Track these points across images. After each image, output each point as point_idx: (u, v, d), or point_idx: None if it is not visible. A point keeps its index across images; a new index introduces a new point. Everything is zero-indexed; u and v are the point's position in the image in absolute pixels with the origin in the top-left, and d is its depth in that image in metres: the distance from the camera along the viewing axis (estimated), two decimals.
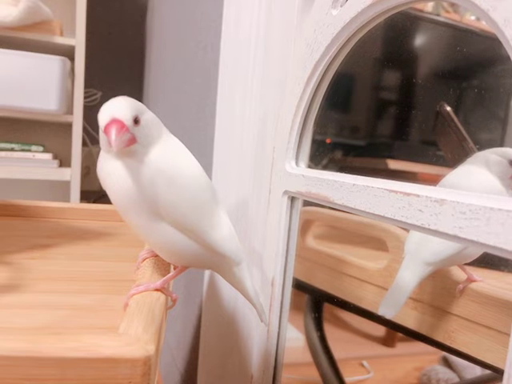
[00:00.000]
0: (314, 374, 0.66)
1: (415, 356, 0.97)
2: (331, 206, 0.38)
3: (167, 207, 0.32)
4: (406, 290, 0.44)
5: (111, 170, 0.32)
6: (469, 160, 0.45)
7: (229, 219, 0.38)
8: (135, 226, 0.34)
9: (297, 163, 0.45)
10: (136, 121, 0.31)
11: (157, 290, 0.33)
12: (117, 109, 0.30)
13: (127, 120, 0.30)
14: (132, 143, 0.31)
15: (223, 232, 0.36)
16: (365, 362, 0.92)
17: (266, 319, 0.43)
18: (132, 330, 0.25)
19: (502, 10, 0.24)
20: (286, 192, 0.45)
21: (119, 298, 0.35)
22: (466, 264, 0.44)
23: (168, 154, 0.33)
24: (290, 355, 0.52)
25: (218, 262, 0.37)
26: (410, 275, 0.44)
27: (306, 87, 0.42)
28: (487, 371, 0.45)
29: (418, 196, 0.28)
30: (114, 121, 0.29)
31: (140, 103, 0.33)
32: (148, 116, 0.32)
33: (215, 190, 0.37)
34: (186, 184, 0.33)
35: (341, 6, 0.38)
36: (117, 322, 0.28)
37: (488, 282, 0.43)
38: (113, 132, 0.29)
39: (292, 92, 0.44)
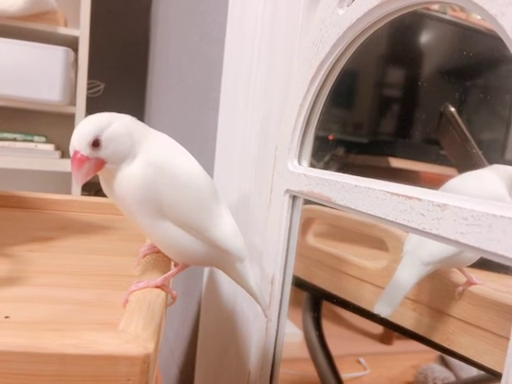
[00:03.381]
0: (310, 369, 0.67)
1: (412, 354, 0.97)
2: (333, 206, 0.38)
3: (171, 206, 0.32)
4: (403, 289, 0.44)
5: (110, 184, 0.33)
6: (485, 168, 0.45)
7: (231, 216, 0.38)
8: (141, 226, 0.34)
9: (299, 162, 0.45)
10: (96, 143, 0.31)
11: (157, 286, 0.33)
12: (74, 139, 0.31)
13: (85, 149, 0.30)
14: (99, 167, 0.32)
15: (226, 229, 0.36)
16: (362, 359, 0.92)
17: (270, 315, 0.43)
18: (132, 328, 0.25)
19: (510, 15, 0.24)
20: (287, 191, 0.45)
21: (119, 293, 0.35)
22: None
23: (165, 152, 0.33)
24: (287, 350, 0.52)
25: (221, 259, 0.37)
26: (407, 275, 0.44)
27: (310, 87, 0.42)
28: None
29: (420, 200, 0.28)
30: (74, 155, 0.31)
31: (102, 118, 0.32)
32: (112, 129, 0.31)
33: (216, 188, 0.37)
34: (188, 181, 0.34)
35: (347, 6, 0.38)
36: (116, 318, 0.28)
37: (487, 284, 0.43)
38: (73, 170, 0.31)
39: (296, 91, 0.44)
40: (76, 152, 0.31)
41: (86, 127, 0.31)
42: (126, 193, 0.32)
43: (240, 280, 0.39)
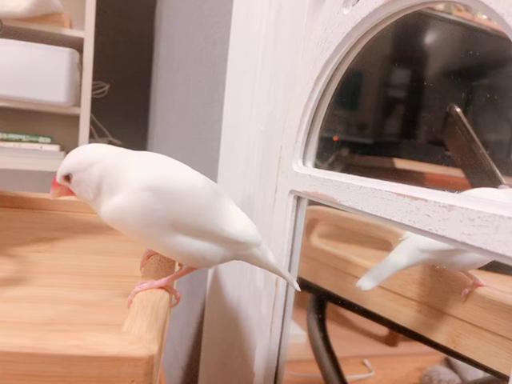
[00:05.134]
0: (314, 370, 0.66)
1: (417, 356, 0.96)
2: (338, 207, 0.38)
3: (176, 220, 0.32)
4: (391, 268, 0.44)
5: (108, 214, 0.33)
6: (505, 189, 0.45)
7: (239, 209, 0.38)
8: (153, 246, 0.35)
9: (304, 163, 0.45)
10: (67, 178, 0.34)
11: (161, 287, 0.33)
12: (60, 165, 0.34)
13: (59, 178, 0.34)
14: (70, 194, 0.35)
15: (239, 223, 0.36)
16: (366, 361, 0.92)
17: (297, 286, 0.42)
18: (135, 329, 0.25)
19: None
20: (292, 191, 0.45)
21: (123, 294, 0.36)
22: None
23: (155, 173, 0.33)
24: (292, 352, 0.52)
25: (240, 252, 0.37)
26: (400, 256, 0.44)
27: (315, 87, 0.42)
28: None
29: (426, 201, 0.28)
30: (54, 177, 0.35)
31: (85, 159, 0.33)
32: (86, 173, 0.33)
33: (217, 187, 0.37)
34: (186, 191, 0.33)
35: (352, 6, 0.37)
36: (120, 319, 0.28)
37: (494, 286, 0.43)
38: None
39: (301, 91, 0.44)
40: (55, 176, 0.34)
41: (67, 161, 0.34)
42: (124, 223, 0.32)
43: (261, 263, 0.38)
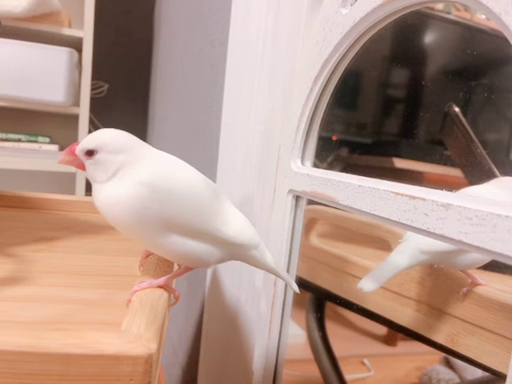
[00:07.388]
0: (313, 370, 0.66)
1: (416, 355, 0.96)
2: (336, 206, 0.38)
3: (172, 220, 0.32)
4: (392, 269, 0.44)
5: (106, 200, 0.32)
6: (491, 182, 0.45)
7: (238, 210, 0.37)
8: (147, 245, 0.34)
9: (302, 162, 0.45)
10: (89, 153, 0.33)
11: (160, 286, 0.33)
12: (85, 137, 0.33)
13: (80, 150, 0.33)
14: (78, 167, 0.34)
15: (237, 224, 0.36)
16: (366, 360, 0.92)
17: (296, 287, 0.42)
18: (134, 328, 0.25)
19: None
20: (290, 191, 0.45)
21: (122, 293, 0.35)
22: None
23: (159, 170, 0.33)
24: (291, 351, 0.52)
25: (237, 252, 0.37)
26: (401, 258, 0.44)
27: (314, 86, 0.42)
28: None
29: (424, 200, 0.28)
30: (75, 144, 0.34)
31: (117, 143, 0.33)
32: (110, 156, 0.32)
33: (217, 189, 0.37)
34: (184, 191, 0.33)
35: (351, 5, 0.37)
36: (120, 318, 0.28)
37: (492, 285, 0.43)
38: (63, 152, 0.34)
39: (299, 91, 0.44)
40: (76, 143, 0.33)
41: (98, 137, 0.33)
42: (117, 215, 0.32)
43: (259, 264, 0.38)
